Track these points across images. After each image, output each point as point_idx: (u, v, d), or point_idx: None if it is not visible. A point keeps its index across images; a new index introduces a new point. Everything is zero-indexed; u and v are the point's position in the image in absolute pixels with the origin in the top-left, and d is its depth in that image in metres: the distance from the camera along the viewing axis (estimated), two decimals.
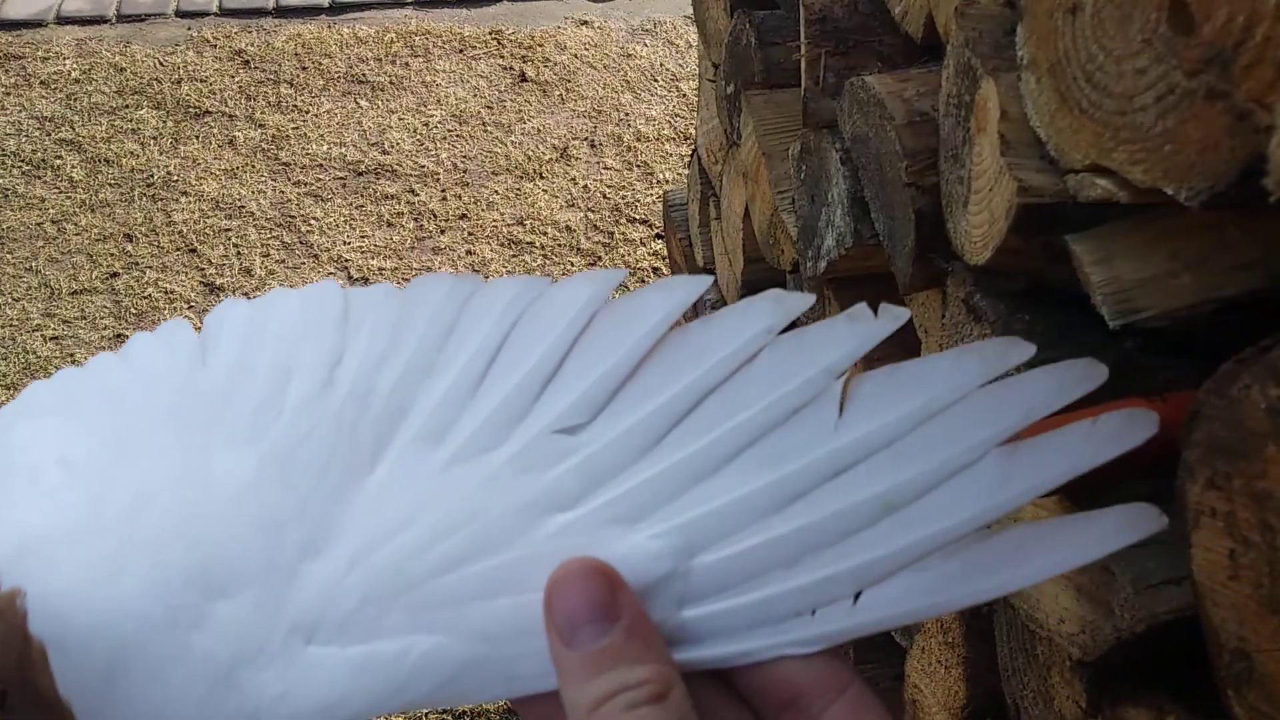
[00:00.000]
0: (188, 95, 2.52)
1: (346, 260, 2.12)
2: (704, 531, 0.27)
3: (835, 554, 0.26)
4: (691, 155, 1.44)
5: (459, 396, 0.30)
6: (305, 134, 2.42)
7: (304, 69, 2.61)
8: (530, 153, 2.37)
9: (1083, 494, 0.50)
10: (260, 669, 0.28)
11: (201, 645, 0.28)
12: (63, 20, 2.77)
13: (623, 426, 0.28)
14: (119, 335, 1.98)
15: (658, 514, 0.27)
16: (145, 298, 2.05)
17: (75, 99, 2.51)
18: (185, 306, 2.04)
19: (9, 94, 2.53)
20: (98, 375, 0.36)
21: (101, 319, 2.01)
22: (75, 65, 2.60)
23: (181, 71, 2.60)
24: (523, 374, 0.29)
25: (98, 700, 0.29)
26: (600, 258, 2.12)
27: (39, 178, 2.31)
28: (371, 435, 0.30)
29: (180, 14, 2.81)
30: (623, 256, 2.12)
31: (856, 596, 0.25)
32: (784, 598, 0.26)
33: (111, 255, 2.13)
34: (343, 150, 2.38)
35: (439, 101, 2.52)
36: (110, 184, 2.29)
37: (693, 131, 2.37)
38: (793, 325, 0.30)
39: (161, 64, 2.62)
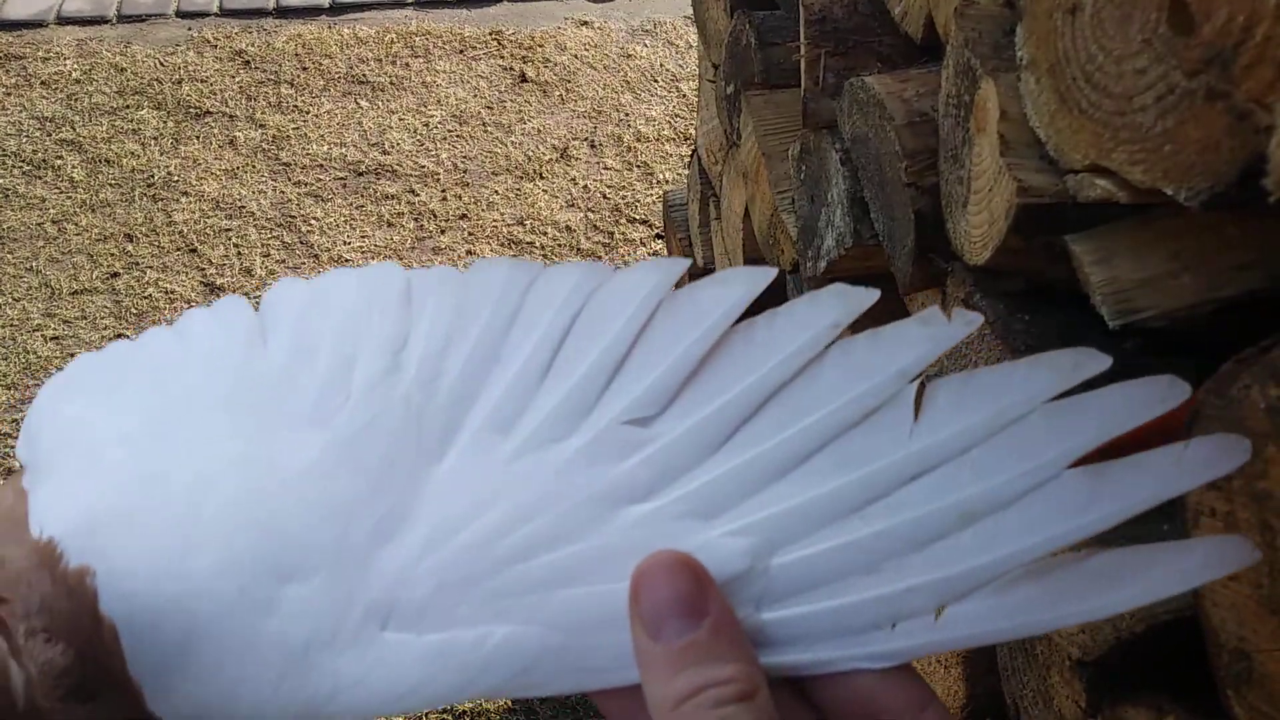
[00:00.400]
0: (188, 95, 2.52)
1: (347, 260, 2.12)
2: (780, 530, 0.26)
3: (915, 564, 0.25)
4: (691, 155, 1.44)
5: (526, 385, 0.30)
6: (305, 134, 2.42)
7: (304, 69, 2.61)
8: (530, 153, 2.37)
9: None
10: (336, 652, 0.28)
11: (275, 628, 0.28)
12: (63, 20, 2.77)
13: (693, 420, 0.28)
14: (119, 335, 1.98)
15: (733, 510, 0.27)
16: (145, 298, 2.05)
17: (76, 99, 2.51)
18: (186, 306, 2.04)
19: (10, 94, 2.53)
20: (151, 351, 0.36)
21: (102, 319, 2.01)
22: (76, 65, 2.60)
23: (182, 72, 2.60)
24: (589, 364, 0.29)
25: (168, 681, 0.29)
26: (600, 258, 2.12)
27: (39, 178, 2.31)
28: (439, 422, 0.30)
29: (181, 14, 2.81)
30: (623, 257, 2.12)
31: (938, 613, 0.25)
32: (864, 607, 0.26)
33: (112, 255, 2.13)
34: (343, 150, 2.38)
35: (439, 102, 2.52)
36: (111, 184, 2.29)
37: (693, 131, 2.37)
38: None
39: (162, 64, 2.62)
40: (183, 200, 2.25)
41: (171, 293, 2.06)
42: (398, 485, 0.29)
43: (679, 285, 0.31)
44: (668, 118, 2.46)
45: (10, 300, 2.05)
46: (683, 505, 0.27)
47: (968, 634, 0.25)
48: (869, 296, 0.28)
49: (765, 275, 0.29)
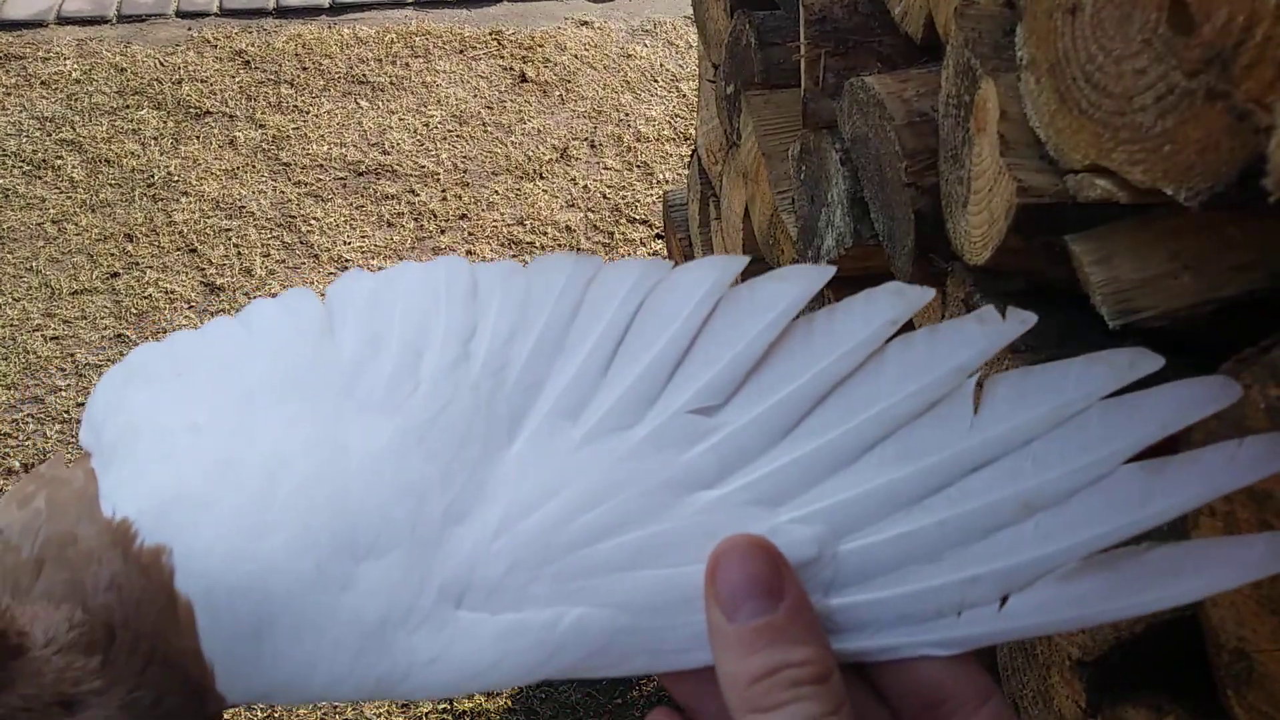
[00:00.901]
0: (188, 95, 2.52)
1: (347, 260, 2.12)
2: (846, 518, 0.27)
3: (978, 554, 0.26)
4: (691, 155, 1.44)
5: (591, 375, 0.30)
6: (305, 134, 2.42)
7: (304, 69, 2.61)
8: (530, 153, 2.37)
9: None
10: (411, 630, 0.28)
11: (351, 605, 0.28)
12: (63, 20, 2.77)
13: (757, 410, 0.29)
14: (119, 335, 1.98)
15: (799, 498, 0.27)
16: (145, 298, 2.05)
17: (76, 99, 2.51)
18: (185, 306, 2.04)
19: (10, 94, 2.53)
20: (216, 341, 0.37)
21: (102, 319, 2.01)
22: (76, 65, 2.60)
23: (182, 72, 2.60)
24: (653, 355, 0.30)
25: (243, 657, 0.29)
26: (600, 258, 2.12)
27: (39, 178, 2.31)
28: (508, 408, 0.30)
29: (181, 14, 2.81)
30: (623, 256, 2.12)
31: (1003, 602, 0.25)
32: (929, 594, 0.26)
33: (112, 255, 2.13)
34: (343, 150, 2.38)
35: (439, 102, 2.52)
36: (111, 184, 2.29)
37: (693, 131, 2.37)
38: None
39: (162, 64, 2.62)
40: (183, 200, 2.25)
41: (171, 293, 2.06)
42: (469, 468, 0.30)
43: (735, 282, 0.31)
44: (668, 118, 2.46)
45: (10, 300, 2.05)
46: (749, 492, 0.28)
47: (1032, 623, 0.25)
48: (925, 295, 0.29)
49: (824, 273, 0.30)
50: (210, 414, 0.33)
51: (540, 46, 2.68)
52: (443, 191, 2.27)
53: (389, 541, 0.29)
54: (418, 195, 2.26)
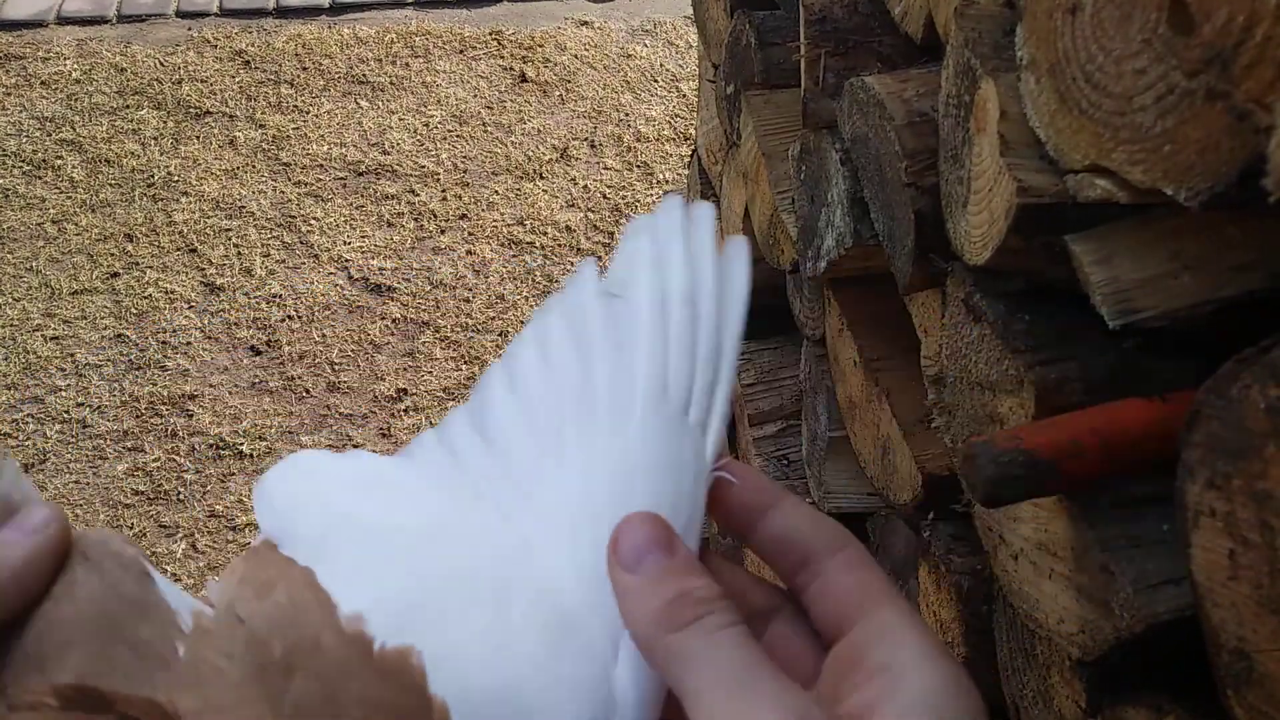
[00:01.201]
0: (188, 95, 2.52)
1: (347, 260, 2.12)
2: (652, 392, 0.36)
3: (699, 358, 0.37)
4: (691, 155, 1.44)
5: (530, 450, 0.38)
6: (305, 134, 2.42)
7: (304, 69, 2.61)
8: (530, 153, 2.37)
9: (1084, 493, 0.50)
10: (618, 709, 0.31)
11: (589, 713, 0.31)
12: (63, 20, 2.77)
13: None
14: (119, 335, 1.98)
15: (640, 402, 0.37)
16: (145, 298, 2.05)
17: (76, 99, 2.51)
18: (185, 306, 2.04)
19: (10, 94, 2.53)
20: (396, 463, 0.41)
21: (102, 319, 2.01)
22: (76, 65, 2.61)
23: (182, 72, 2.60)
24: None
25: None
26: (600, 258, 2.12)
27: (39, 178, 2.31)
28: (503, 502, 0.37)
29: (181, 14, 2.81)
30: None
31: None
32: (717, 395, 0.36)
33: (112, 255, 2.14)
34: (343, 150, 2.38)
35: (439, 102, 2.52)
36: (111, 184, 2.29)
37: (693, 131, 2.37)
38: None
39: (162, 64, 2.62)
40: (183, 200, 2.25)
41: (171, 293, 2.06)
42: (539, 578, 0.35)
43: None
44: (668, 118, 2.46)
45: (10, 300, 2.05)
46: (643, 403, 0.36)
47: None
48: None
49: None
50: (414, 521, 0.36)
51: (540, 46, 2.68)
52: (443, 191, 2.27)
53: (596, 644, 0.32)
54: (418, 195, 2.26)
